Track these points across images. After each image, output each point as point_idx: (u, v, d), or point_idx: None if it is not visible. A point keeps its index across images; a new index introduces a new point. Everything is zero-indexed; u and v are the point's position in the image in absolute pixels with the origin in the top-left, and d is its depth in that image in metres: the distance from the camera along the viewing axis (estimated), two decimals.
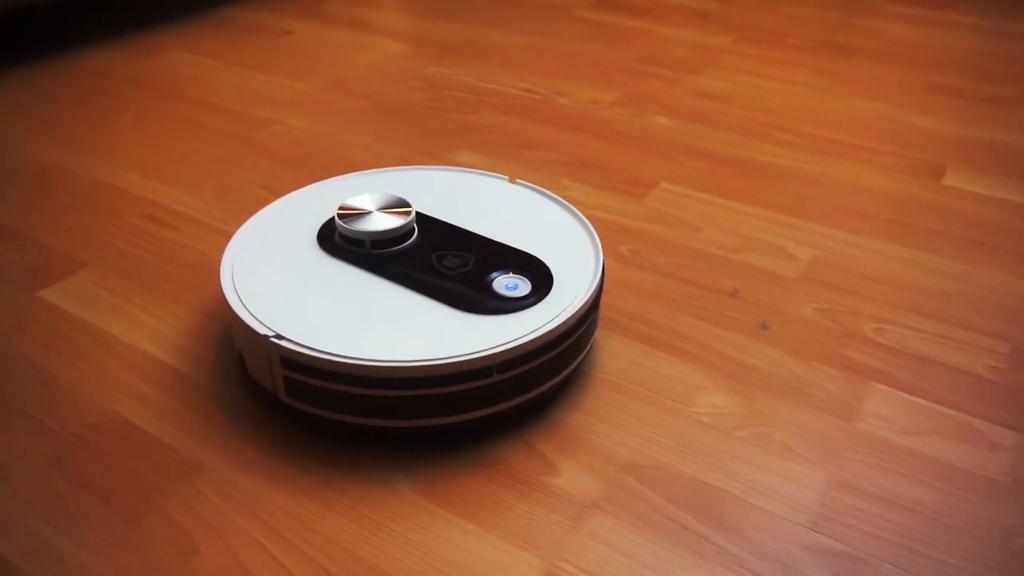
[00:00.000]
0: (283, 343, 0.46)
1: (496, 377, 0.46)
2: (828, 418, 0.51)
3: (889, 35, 1.18)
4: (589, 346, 0.53)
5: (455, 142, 0.85)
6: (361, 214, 0.55)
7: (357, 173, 0.64)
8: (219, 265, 0.65)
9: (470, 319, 0.48)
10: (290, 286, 0.51)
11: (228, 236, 0.69)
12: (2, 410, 0.51)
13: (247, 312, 0.49)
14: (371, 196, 0.56)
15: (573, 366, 0.51)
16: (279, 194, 0.75)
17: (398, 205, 0.56)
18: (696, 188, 0.77)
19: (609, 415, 0.51)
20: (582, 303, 0.49)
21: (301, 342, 0.46)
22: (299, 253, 0.54)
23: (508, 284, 0.51)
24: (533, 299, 0.49)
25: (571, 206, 0.59)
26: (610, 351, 0.56)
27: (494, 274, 0.52)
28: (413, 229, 0.56)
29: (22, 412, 0.51)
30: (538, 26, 1.20)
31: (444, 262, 0.53)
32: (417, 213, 0.58)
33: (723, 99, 0.96)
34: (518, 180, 0.61)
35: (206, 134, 0.86)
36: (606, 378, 0.54)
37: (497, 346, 0.46)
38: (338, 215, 0.54)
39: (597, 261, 0.53)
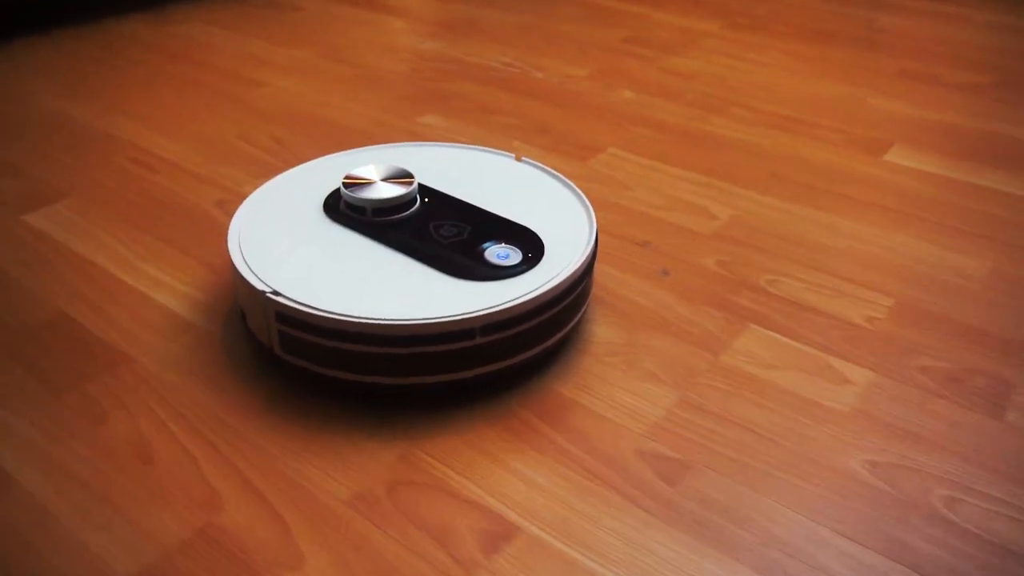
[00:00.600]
0: (279, 299, 0.49)
1: (479, 339, 0.48)
2: (697, 351, 0.55)
3: (881, 25, 1.19)
4: (579, 316, 0.55)
5: (425, 107, 0.91)
6: (365, 183, 0.57)
7: (368, 147, 0.66)
8: (188, 203, 0.72)
9: (460, 284, 0.50)
10: (292, 248, 0.54)
11: (200, 178, 0.76)
12: None
13: (248, 270, 0.51)
14: (376, 167, 0.59)
15: (561, 334, 0.53)
16: (252, 144, 0.82)
17: (401, 176, 0.58)
18: (640, 154, 0.81)
19: None
20: (568, 274, 0.51)
21: (295, 299, 0.49)
22: (304, 219, 0.57)
23: (500, 253, 0.53)
24: (523, 268, 0.51)
25: (571, 184, 0.61)
26: None
27: (487, 244, 0.54)
28: (414, 199, 0.58)
29: None
30: (537, 8, 1.25)
31: (441, 231, 0.55)
32: (420, 185, 0.61)
33: (693, 77, 1.00)
34: (524, 158, 0.64)
35: (202, 92, 0.94)
36: None
37: (481, 309, 0.48)
38: (343, 183, 0.57)
39: (590, 236, 0.55)
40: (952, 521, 0.44)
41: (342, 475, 0.46)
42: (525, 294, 0.49)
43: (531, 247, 0.54)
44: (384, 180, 0.58)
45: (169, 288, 0.61)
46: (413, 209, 0.57)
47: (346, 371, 0.49)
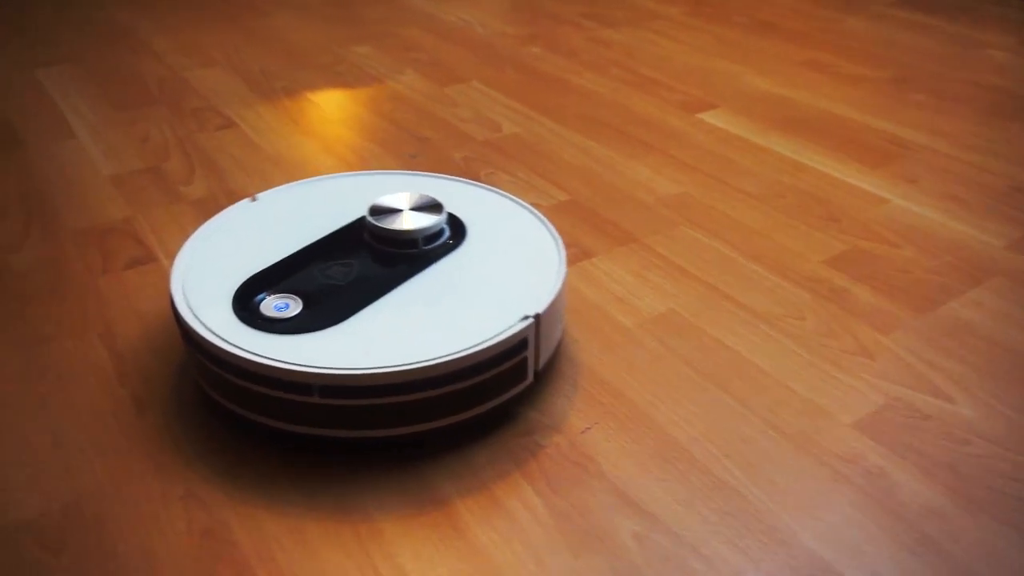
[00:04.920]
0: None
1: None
2: None
3: (845, 27, 1.25)
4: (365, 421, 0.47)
5: (366, 42, 1.13)
6: (393, 212, 0.56)
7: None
8: (141, 76, 0.99)
9: (243, 330, 0.48)
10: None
11: (165, 65, 1.03)
12: None
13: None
14: (408, 195, 0.58)
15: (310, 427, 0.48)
16: (219, 51, 1.08)
17: (431, 206, 0.56)
18: (494, 88, 0.98)
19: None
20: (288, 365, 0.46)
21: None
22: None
23: (277, 304, 0.51)
24: (285, 327, 0.49)
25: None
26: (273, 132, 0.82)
27: (266, 294, 0.51)
28: (436, 234, 0.55)
29: None
30: None
31: (329, 271, 0.53)
32: (451, 218, 0.58)
33: (609, 45, 1.14)
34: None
35: (219, 16, 1.22)
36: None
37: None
38: (369, 209, 0.56)
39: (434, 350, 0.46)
40: None
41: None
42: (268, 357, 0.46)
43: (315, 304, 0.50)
44: (413, 209, 0.56)
45: (89, 126, 0.87)
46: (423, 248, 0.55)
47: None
